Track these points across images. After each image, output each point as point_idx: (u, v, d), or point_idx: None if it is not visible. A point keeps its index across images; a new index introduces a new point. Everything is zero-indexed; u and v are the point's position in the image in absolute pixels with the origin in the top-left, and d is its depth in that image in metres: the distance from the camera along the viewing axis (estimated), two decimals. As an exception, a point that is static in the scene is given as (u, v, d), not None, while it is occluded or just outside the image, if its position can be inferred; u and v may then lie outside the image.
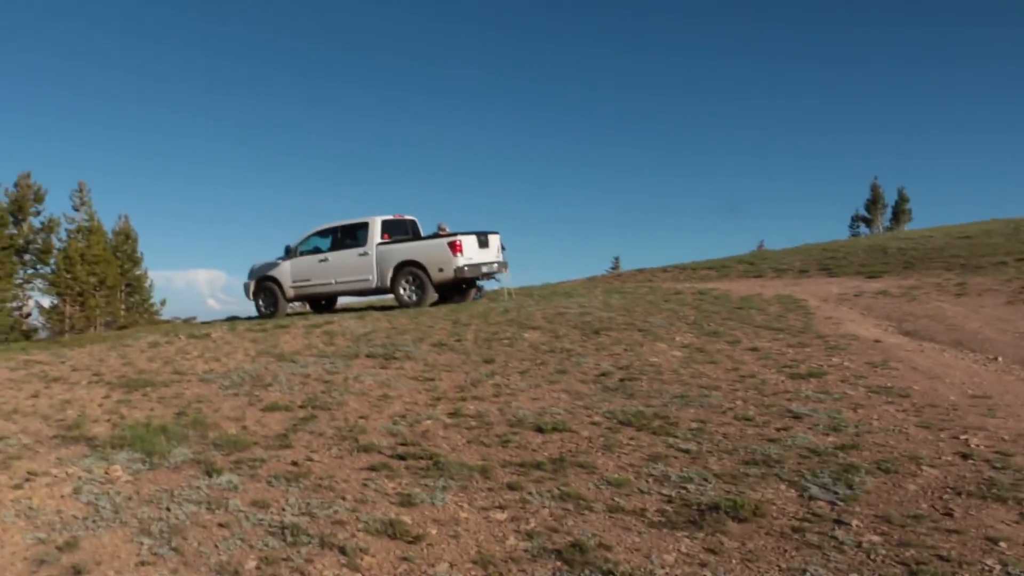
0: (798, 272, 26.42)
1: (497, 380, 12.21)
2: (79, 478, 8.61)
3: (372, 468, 8.65)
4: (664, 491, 7.82)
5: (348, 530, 7.17)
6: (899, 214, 53.99)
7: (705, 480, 8.01)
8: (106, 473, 8.65)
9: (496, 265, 22.75)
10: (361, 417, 10.53)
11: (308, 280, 23.12)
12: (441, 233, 23.21)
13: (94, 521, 7.53)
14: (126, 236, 45.58)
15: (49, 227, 42.12)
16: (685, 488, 7.85)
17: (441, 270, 21.38)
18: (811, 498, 7.53)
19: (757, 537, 6.87)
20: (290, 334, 17.05)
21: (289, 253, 23.41)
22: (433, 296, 21.89)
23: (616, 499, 7.69)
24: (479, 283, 23.42)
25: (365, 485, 8.20)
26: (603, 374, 12.33)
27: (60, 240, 42.09)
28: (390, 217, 22.97)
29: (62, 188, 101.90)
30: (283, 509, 7.63)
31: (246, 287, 24.13)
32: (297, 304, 25.39)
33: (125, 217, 46.86)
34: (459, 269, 21.21)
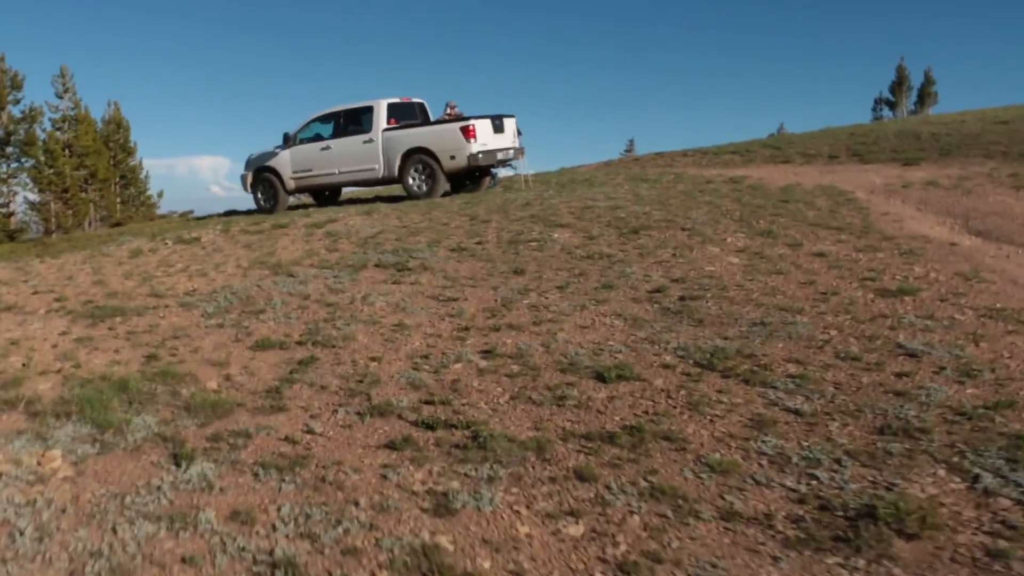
0: (827, 158, 23.86)
1: (533, 298, 9.85)
2: None
3: (392, 446, 6.29)
4: (789, 483, 5.49)
5: (365, 567, 4.80)
6: (924, 97, 50.55)
7: (838, 463, 5.69)
8: (39, 464, 6.13)
9: (512, 151, 20.23)
10: (373, 359, 8.18)
11: (309, 170, 20.59)
12: (450, 115, 20.63)
13: (1, 561, 4.98)
14: (117, 125, 42.06)
15: (31, 116, 38.08)
16: (815, 477, 5.52)
17: (453, 157, 18.90)
18: (988, 493, 5.21)
19: (941, 567, 4.56)
20: (289, 236, 14.60)
21: (288, 141, 20.81)
22: (445, 186, 19.43)
23: (727, 497, 5.37)
24: (493, 170, 20.85)
25: (384, 477, 5.83)
26: (657, 289, 9.96)
27: (44, 131, 38.55)
28: (396, 100, 20.34)
29: (42, 74, 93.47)
30: (273, 527, 5.22)
31: (243, 179, 21.58)
32: (298, 197, 22.72)
33: (115, 104, 43.49)
34: (473, 156, 18.72)
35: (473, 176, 20.47)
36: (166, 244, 14.85)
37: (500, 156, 19.63)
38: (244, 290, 10.90)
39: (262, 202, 21.22)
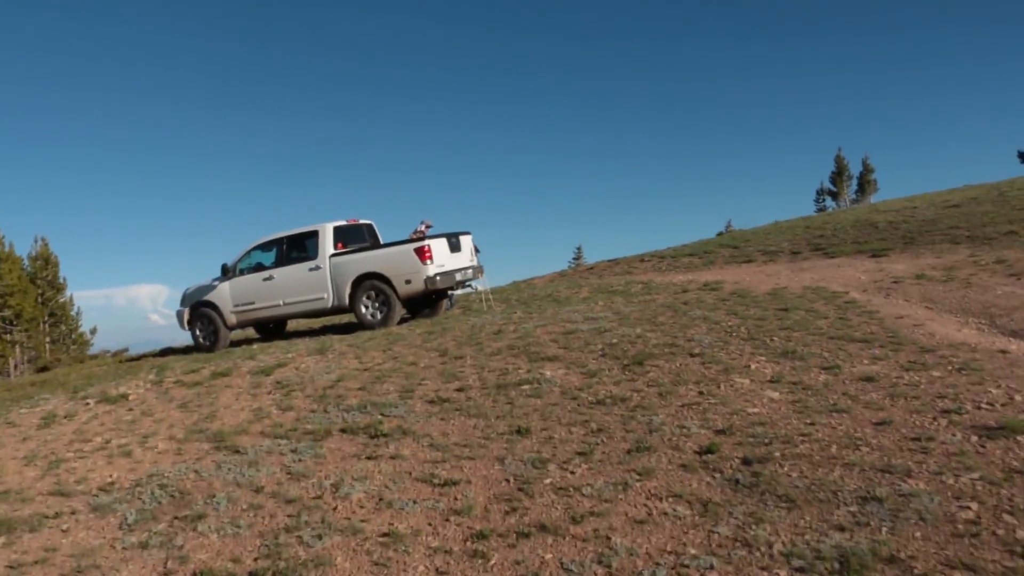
0: (790, 254, 21.75)
1: (554, 475, 7.24)
2: None
3: None
4: None
5: None
6: (865, 185, 49.00)
7: None
8: None
9: (471, 271, 17.68)
10: (364, 606, 5.43)
11: (252, 303, 17.81)
12: (420, 233, 18.13)
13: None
14: (45, 261, 38.50)
15: (-53, 256, 34.35)
16: None
17: (409, 282, 16.31)
18: None
19: None
20: (232, 389, 11.79)
21: (227, 272, 18.04)
22: (400, 312, 16.79)
23: None
24: (451, 292, 18.24)
25: None
26: (707, 449, 7.41)
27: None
28: (343, 223, 17.73)
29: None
30: None
31: (179, 316, 18.69)
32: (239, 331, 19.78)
33: (43, 240, 39.77)
34: (430, 279, 16.16)
35: (430, 300, 17.85)
36: (87, 405, 11.92)
37: (459, 277, 17.08)
38: (177, 479, 8.09)
39: (201, 339, 18.34)
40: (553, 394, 9.68)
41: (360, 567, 5.88)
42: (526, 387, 10.02)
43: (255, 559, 6.17)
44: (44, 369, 27.07)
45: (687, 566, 5.38)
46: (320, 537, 6.37)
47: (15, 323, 31.73)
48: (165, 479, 8.12)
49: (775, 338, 11.33)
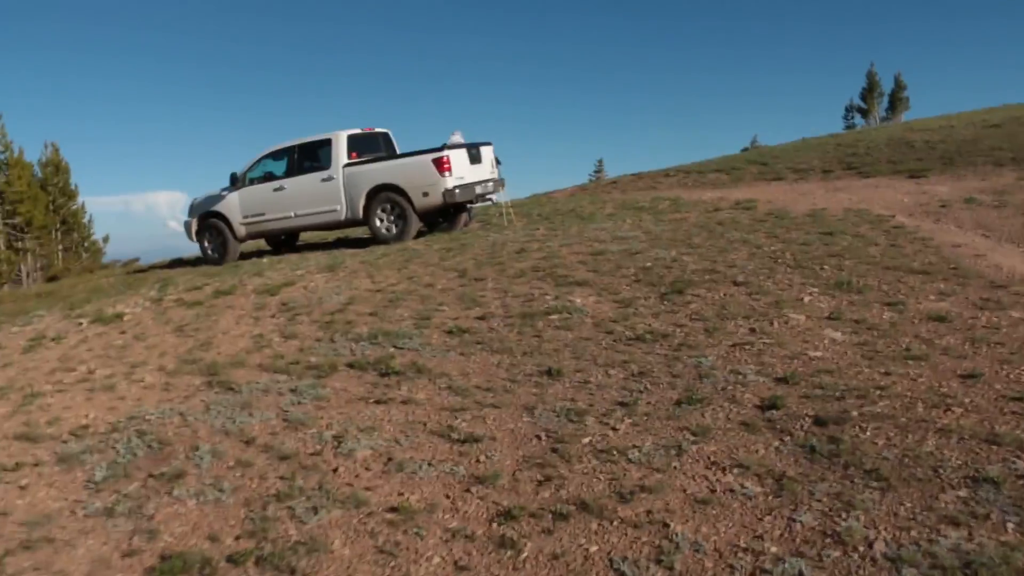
0: (822, 172, 20.27)
1: (593, 430, 6.02)
2: None
3: None
4: None
5: None
6: (896, 103, 46.59)
7: None
8: None
9: (491, 184, 16.32)
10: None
11: (261, 214, 16.52)
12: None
13: None
14: (56, 167, 36.29)
15: (-43, 162, 32.91)
16: None
17: (426, 194, 15.00)
18: None
19: None
20: (233, 311, 10.54)
21: (236, 182, 16.72)
22: (417, 226, 15.52)
23: None
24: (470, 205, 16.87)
25: None
26: (770, 404, 6.16)
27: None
28: (358, 131, 16.34)
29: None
30: None
31: (187, 227, 17.41)
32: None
33: (53, 145, 37.14)
34: (449, 192, 14.85)
35: (448, 213, 16.53)
36: (79, 325, 10.70)
37: (479, 190, 15.74)
38: (159, 424, 6.88)
39: (209, 252, 17.10)
40: (585, 326, 8.43)
41: (362, 555, 4.67)
42: (554, 317, 8.77)
43: (236, 538, 4.97)
44: (54, 279, 25.87)
45: (769, 572, 4.15)
46: (316, 510, 5.16)
47: (26, 231, 30.39)
48: (145, 423, 6.90)
49: (825, 266, 10.03)
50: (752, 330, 7.93)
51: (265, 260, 15.72)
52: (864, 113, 46.52)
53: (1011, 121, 22.80)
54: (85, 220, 37.36)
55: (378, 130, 16.85)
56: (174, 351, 9.00)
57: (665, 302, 9.03)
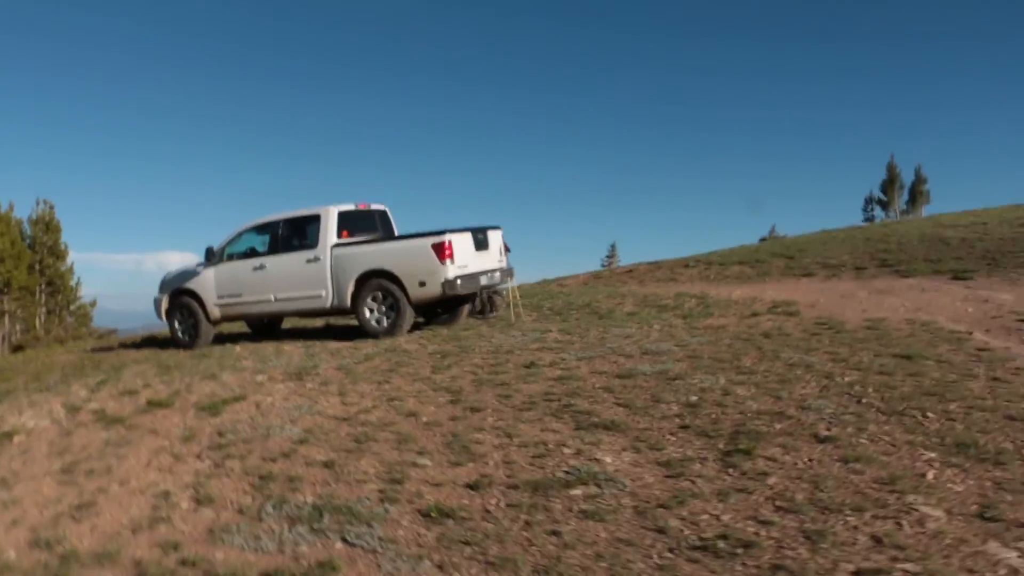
0: (854, 269, 17.33)
1: None
2: None
3: None
4: None
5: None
6: (916, 195, 43.30)
7: None
8: None
9: (498, 274, 13.35)
10: None
11: (238, 295, 13.57)
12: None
13: None
14: (46, 225, 32.48)
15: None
16: None
17: (423, 284, 12.07)
18: None
19: None
20: (155, 438, 7.47)
21: (213, 257, 13.78)
22: (411, 320, 12.53)
23: None
24: (495, 291, 13.73)
25: None
26: None
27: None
28: (350, 207, 13.43)
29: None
30: None
31: (156, 304, 14.43)
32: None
33: (47, 203, 33.54)
34: (449, 283, 11.93)
35: (448, 305, 13.54)
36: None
37: (484, 281, 12.79)
38: None
39: (180, 334, 14.10)
40: (623, 515, 5.37)
41: None
42: (578, 492, 5.72)
43: None
44: (19, 348, 22.74)
45: None
46: None
47: (5, 292, 27.24)
48: None
49: (928, 414, 7.01)
50: (877, 540, 4.88)
51: (238, 348, 12.75)
52: (884, 205, 43.14)
53: (1049, 222, 19.87)
54: (72, 283, 33.35)
55: (374, 207, 13.93)
56: (36, 516, 5.93)
57: (730, 471, 5.99)
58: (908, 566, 4.56)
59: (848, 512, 5.23)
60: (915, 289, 14.39)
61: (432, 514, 5.42)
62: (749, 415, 7.11)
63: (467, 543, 5.06)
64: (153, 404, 8.57)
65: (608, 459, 6.30)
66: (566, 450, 6.53)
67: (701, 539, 4.98)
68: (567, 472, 6.06)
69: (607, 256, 54.29)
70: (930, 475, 5.77)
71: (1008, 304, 12.49)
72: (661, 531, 5.12)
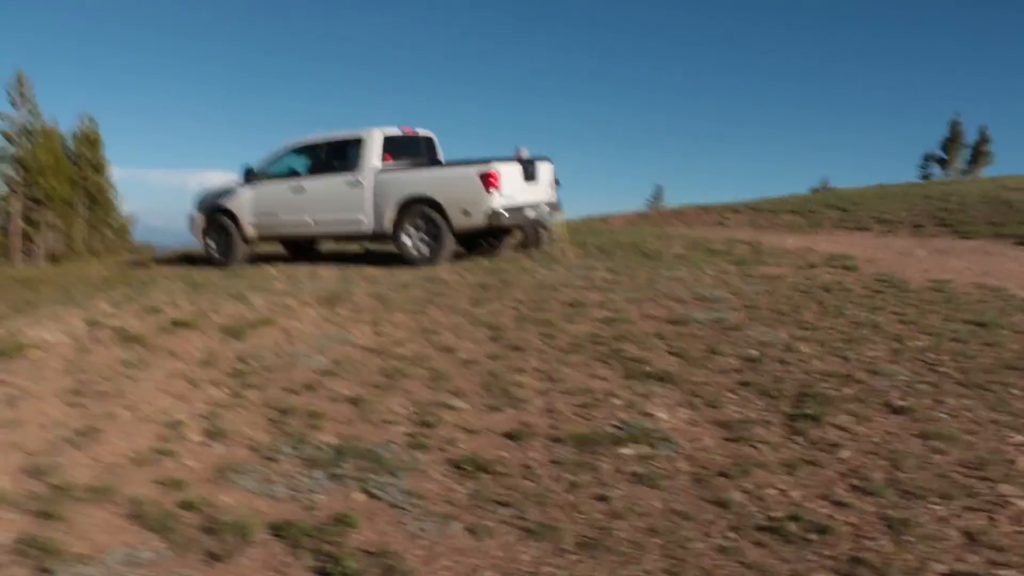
0: (912, 227, 16.39)
1: None
2: None
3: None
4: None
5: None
6: (978, 156, 41.49)
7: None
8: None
9: (546, 208, 12.58)
10: None
11: (275, 216, 12.91)
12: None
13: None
14: (87, 139, 31.07)
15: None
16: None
17: (467, 213, 11.34)
18: None
19: None
20: (174, 361, 6.83)
21: (252, 177, 13.11)
22: (451, 249, 11.82)
23: None
24: (542, 225, 12.93)
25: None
26: None
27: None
28: (396, 131, 12.66)
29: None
30: None
31: (191, 221, 13.83)
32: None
33: (90, 118, 32.35)
34: (494, 214, 11.21)
35: (492, 236, 12.80)
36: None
37: (530, 214, 12.02)
38: None
39: (214, 253, 13.48)
40: (679, 481, 4.70)
41: None
42: (628, 452, 5.04)
43: None
44: (55, 260, 22.20)
45: None
46: None
47: (47, 204, 26.59)
48: None
49: (1012, 390, 6.22)
50: (970, 536, 4.17)
51: (272, 270, 12.12)
52: (943, 163, 41.14)
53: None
54: (112, 197, 32.23)
55: (420, 132, 13.14)
56: (37, 439, 5.33)
57: (797, 439, 5.28)
58: (1009, 574, 3.85)
59: (934, 500, 4.52)
60: (978, 252, 13.47)
61: (466, 466, 4.77)
62: (814, 376, 6.37)
63: (504, 503, 4.41)
64: (176, 324, 7.96)
65: (662, 414, 5.61)
66: (615, 401, 5.84)
67: (769, 519, 4.29)
68: (616, 427, 5.38)
69: (653, 197, 52.90)
70: (1021, 463, 5.02)
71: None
72: (723, 505, 4.44)
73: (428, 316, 8.25)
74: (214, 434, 5.30)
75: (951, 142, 41.01)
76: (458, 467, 4.78)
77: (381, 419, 5.52)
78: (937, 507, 4.43)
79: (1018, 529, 4.24)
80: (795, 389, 6.08)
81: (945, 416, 5.66)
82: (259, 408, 5.75)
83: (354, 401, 5.83)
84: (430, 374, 6.41)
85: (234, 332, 7.62)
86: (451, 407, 5.71)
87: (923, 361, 6.86)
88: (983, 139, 41.07)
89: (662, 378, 6.28)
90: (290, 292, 9.62)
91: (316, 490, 4.53)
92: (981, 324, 8.15)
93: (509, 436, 5.23)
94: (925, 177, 39.27)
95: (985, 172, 37.96)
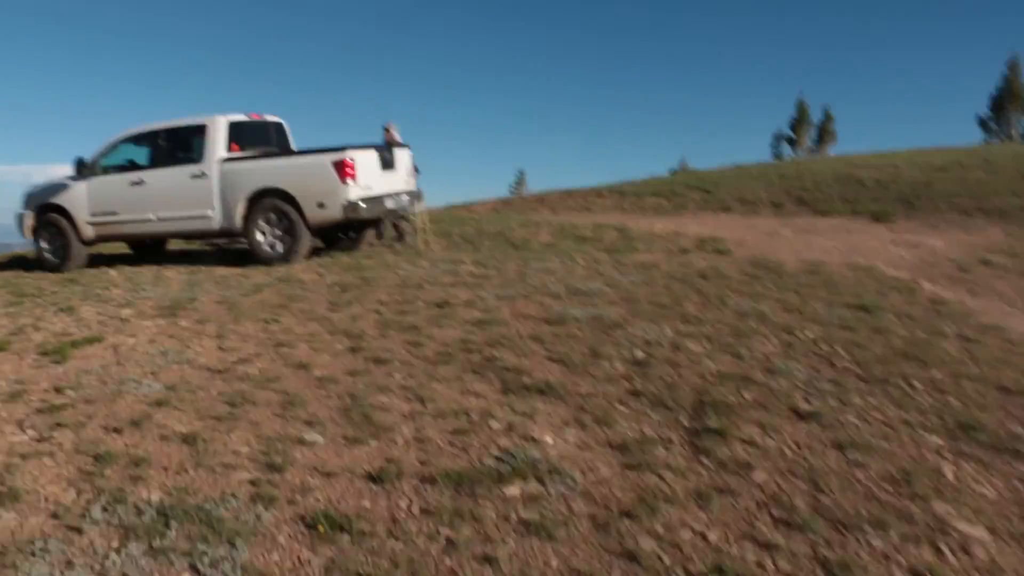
0: (772, 206, 16.12)
1: None
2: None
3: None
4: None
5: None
6: (824, 135, 41.78)
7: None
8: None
9: (406, 198, 11.58)
10: None
11: (114, 213, 11.49)
12: (387, 140, 12.02)
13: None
14: None
15: None
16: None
17: (322, 205, 10.26)
18: None
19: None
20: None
21: (85, 169, 11.64)
22: (308, 245, 10.72)
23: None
24: (403, 216, 11.97)
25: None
26: None
27: None
28: (242, 117, 11.40)
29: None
30: None
31: (19, 220, 12.23)
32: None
33: None
34: (351, 206, 10.16)
35: (351, 228, 11.74)
36: None
37: (390, 204, 11.01)
38: None
39: (48, 255, 11.94)
40: (576, 527, 3.85)
41: None
42: (514, 491, 4.16)
43: None
44: None
45: None
46: None
47: None
48: None
49: (914, 382, 5.66)
50: (913, 574, 3.45)
51: (112, 272, 10.80)
52: (792, 143, 41.58)
53: (953, 165, 18.77)
54: None
55: (269, 118, 11.91)
56: None
57: (703, 459, 4.52)
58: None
59: (869, 530, 3.81)
60: (840, 231, 13.22)
61: (321, 525, 3.78)
62: (709, 379, 5.64)
63: (365, 578, 3.44)
64: (-14, 344, 6.67)
65: (548, 438, 4.75)
66: (494, 423, 4.94)
67: (688, 574, 3.47)
68: (498, 458, 4.49)
69: (515, 183, 52.05)
70: (948, 472, 4.41)
71: (941, 251, 11.45)
72: (632, 558, 3.60)
73: (281, 324, 7.19)
74: (3, 498, 4.14)
75: (799, 122, 41.61)
76: (311, 526, 3.79)
77: (220, 462, 4.47)
78: (875, 540, 3.72)
79: (970, 563, 3.56)
80: (691, 397, 5.32)
81: (855, 420, 5.01)
82: (70, 456, 4.60)
83: (189, 439, 4.75)
84: (281, 398, 5.38)
85: (54, 353, 6.40)
86: (304, 441, 4.70)
87: (818, 354, 6.24)
88: (827, 118, 41.86)
89: (544, 391, 5.42)
90: (127, 301, 8.39)
91: (130, 574, 3.47)
92: (864, 308, 7.66)
93: (372, 478, 4.26)
94: (777, 156, 39.75)
95: (833, 150, 38.65)
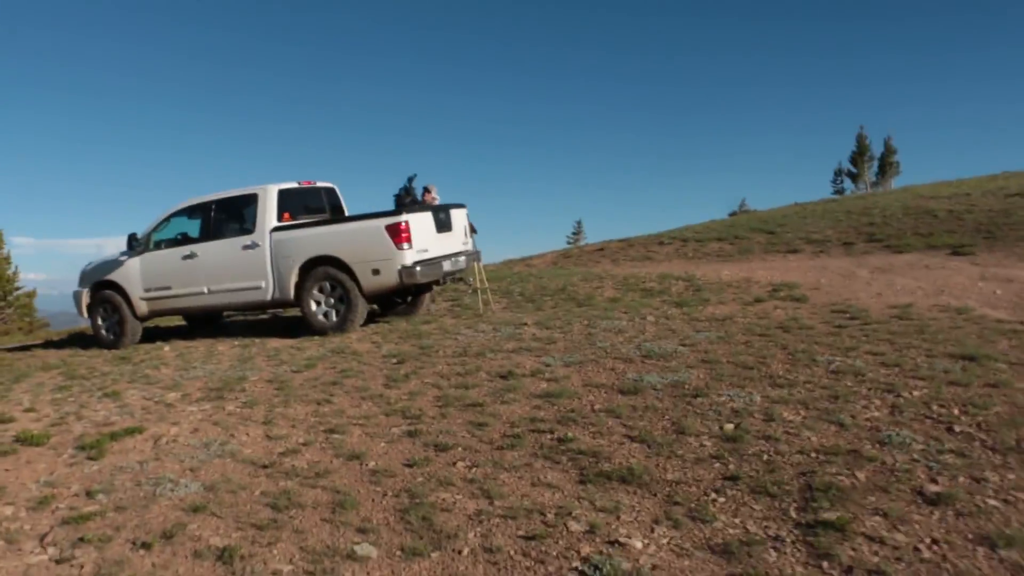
0: (842, 244, 15.15)
1: None
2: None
3: None
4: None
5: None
6: (886, 167, 40.46)
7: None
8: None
9: (463, 259, 10.94)
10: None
11: (167, 288, 11.04)
12: (424, 200, 11.53)
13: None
14: None
15: None
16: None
17: (377, 272, 9.67)
18: None
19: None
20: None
21: (137, 245, 11.24)
22: (364, 313, 10.12)
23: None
24: (461, 278, 11.40)
25: None
26: None
27: None
28: (293, 185, 10.92)
29: None
30: None
31: (76, 298, 11.85)
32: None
33: None
34: (407, 271, 9.54)
35: (407, 292, 11.13)
36: None
37: (447, 266, 10.36)
38: None
39: (103, 332, 11.53)
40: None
41: None
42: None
43: None
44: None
45: None
46: None
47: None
48: None
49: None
50: None
51: (166, 348, 10.30)
52: (854, 177, 40.26)
53: (1029, 193, 17.70)
54: (10, 271, 28.50)
55: (320, 184, 11.41)
56: None
57: (824, 565, 3.70)
58: None
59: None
60: (919, 268, 12.23)
61: None
62: (813, 455, 4.82)
63: None
64: (20, 440, 6.11)
65: (637, 542, 3.98)
66: (572, 524, 4.19)
67: None
68: (581, 572, 3.72)
69: (573, 233, 51.23)
70: None
71: (1037, 285, 10.42)
72: None
73: (333, 405, 6.53)
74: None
75: (859, 155, 40.25)
76: None
77: (255, 590, 3.77)
78: None
79: None
80: (796, 479, 4.51)
81: (996, 503, 4.17)
82: (84, 587, 3.95)
83: (225, 556, 4.07)
84: (330, 498, 4.69)
85: (92, 448, 5.81)
86: (355, 556, 3.99)
87: (931, 418, 5.38)
88: (888, 150, 40.41)
89: (626, 479, 4.66)
90: (175, 382, 7.82)
91: None
92: (970, 358, 6.76)
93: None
94: (838, 192, 38.54)
95: (897, 181, 37.33)
